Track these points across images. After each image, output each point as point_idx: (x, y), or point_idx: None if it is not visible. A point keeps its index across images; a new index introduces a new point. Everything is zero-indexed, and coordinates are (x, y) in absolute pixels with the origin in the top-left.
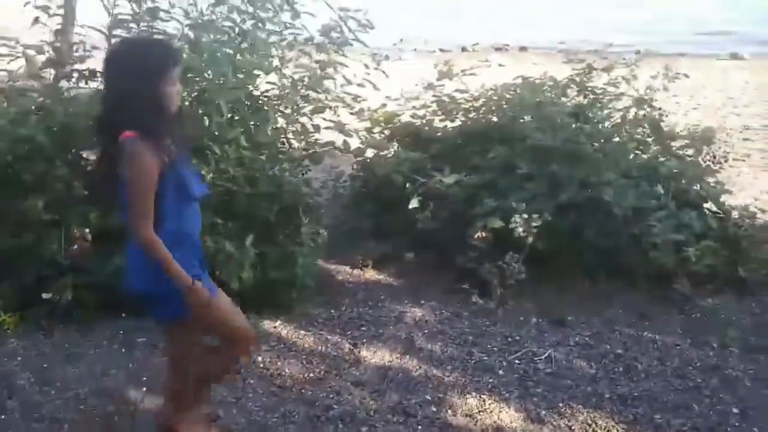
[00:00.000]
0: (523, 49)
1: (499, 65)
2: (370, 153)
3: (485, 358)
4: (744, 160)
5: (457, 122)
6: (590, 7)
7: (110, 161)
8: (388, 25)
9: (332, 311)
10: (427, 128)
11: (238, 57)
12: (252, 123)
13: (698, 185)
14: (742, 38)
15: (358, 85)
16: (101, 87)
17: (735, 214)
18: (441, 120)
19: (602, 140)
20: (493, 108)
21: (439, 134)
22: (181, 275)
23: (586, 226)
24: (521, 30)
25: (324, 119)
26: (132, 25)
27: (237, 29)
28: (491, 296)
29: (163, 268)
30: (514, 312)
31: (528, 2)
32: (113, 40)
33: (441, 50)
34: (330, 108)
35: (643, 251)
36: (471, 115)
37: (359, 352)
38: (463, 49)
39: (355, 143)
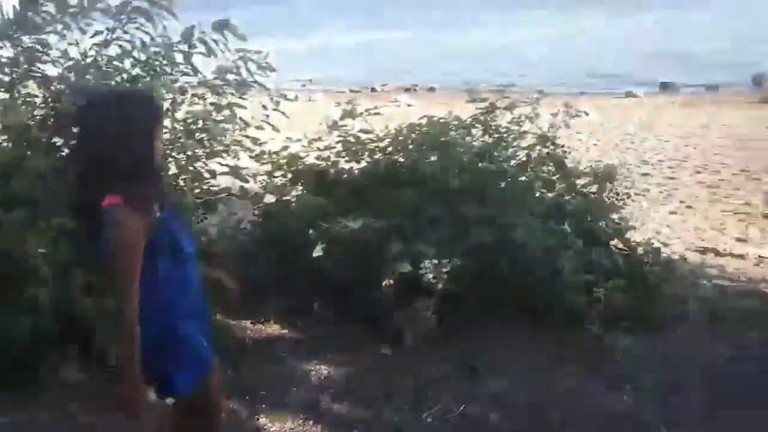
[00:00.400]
0: (431, 89)
1: (408, 105)
2: (272, 198)
3: (395, 418)
4: (644, 195)
5: (364, 163)
6: (488, 52)
7: (92, 229)
8: (303, 65)
9: (229, 373)
10: (332, 170)
11: None
12: None
13: (604, 222)
14: (629, 80)
15: (257, 127)
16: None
17: (640, 250)
18: (347, 161)
19: (509, 179)
20: (399, 148)
21: (345, 176)
22: (135, 381)
23: (497, 269)
24: (430, 71)
25: (221, 164)
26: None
27: (125, 74)
28: (402, 347)
29: (123, 362)
30: (426, 363)
31: (436, 46)
32: None
33: (351, 90)
34: (228, 152)
35: (554, 292)
36: (377, 156)
37: (259, 420)
38: (373, 90)
39: (257, 188)
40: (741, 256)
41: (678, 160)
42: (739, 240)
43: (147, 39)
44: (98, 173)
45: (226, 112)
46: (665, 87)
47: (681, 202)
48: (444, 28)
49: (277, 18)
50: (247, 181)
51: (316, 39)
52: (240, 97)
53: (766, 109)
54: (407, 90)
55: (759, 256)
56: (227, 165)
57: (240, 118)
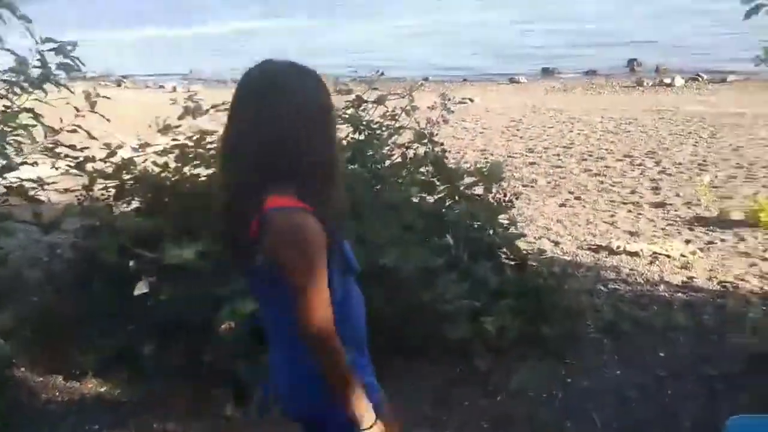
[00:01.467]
0: None
1: None
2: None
3: None
4: (532, 186)
5: (213, 170)
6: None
7: (249, 240)
8: (187, 55)
9: None
10: (174, 178)
11: None
12: None
13: (491, 230)
14: (510, 66)
15: (70, 131)
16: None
17: (531, 259)
18: (194, 167)
19: (384, 184)
20: None
21: (187, 186)
22: (362, 407)
23: (371, 297)
24: (323, 61)
25: (17, 178)
26: None
27: None
28: (249, 403)
29: (337, 387)
30: (278, 424)
31: (324, 36)
32: None
33: (234, 81)
34: (28, 163)
35: (436, 321)
36: None
37: None
38: None
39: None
40: (635, 254)
41: (563, 147)
42: (631, 234)
43: None
44: (273, 166)
45: (25, 115)
46: (546, 72)
47: (570, 192)
48: (332, 18)
49: (163, 6)
50: (40, 202)
51: (202, 28)
52: (38, 100)
53: (641, 93)
54: None
55: (653, 253)
56: (19, 178)
57: (46, 123)
